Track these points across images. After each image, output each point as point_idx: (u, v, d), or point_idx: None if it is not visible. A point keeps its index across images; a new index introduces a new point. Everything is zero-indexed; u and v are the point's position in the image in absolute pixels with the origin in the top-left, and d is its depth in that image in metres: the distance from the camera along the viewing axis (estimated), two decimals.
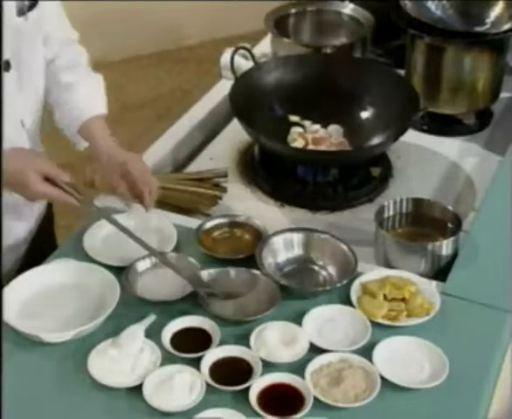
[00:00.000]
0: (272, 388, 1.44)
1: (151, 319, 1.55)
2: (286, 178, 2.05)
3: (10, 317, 1.52)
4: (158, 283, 1.64)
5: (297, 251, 1.74)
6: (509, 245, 1.76)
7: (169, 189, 1.91)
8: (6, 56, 1.61)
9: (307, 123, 2.17)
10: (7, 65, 1.62)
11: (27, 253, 1.84)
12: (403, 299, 1.61)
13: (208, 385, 1.43)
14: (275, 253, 1.72)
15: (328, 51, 2.37)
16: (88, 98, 1.80)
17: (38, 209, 1.86)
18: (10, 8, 1.58)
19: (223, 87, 2.32)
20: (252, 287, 1.63)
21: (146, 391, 1.42)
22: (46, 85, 1.78)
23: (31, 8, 1.64)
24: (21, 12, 1.61)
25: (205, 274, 1.63)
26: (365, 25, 2.42)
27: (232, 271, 1.65)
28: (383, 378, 1.45)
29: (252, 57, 2.27)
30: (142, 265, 1.67)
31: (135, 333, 1.51)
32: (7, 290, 1.58)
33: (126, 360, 1.46)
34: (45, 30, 1.73)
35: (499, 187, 1.95)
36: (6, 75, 1.62)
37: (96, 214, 1.71)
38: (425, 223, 1.83)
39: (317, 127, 2.15)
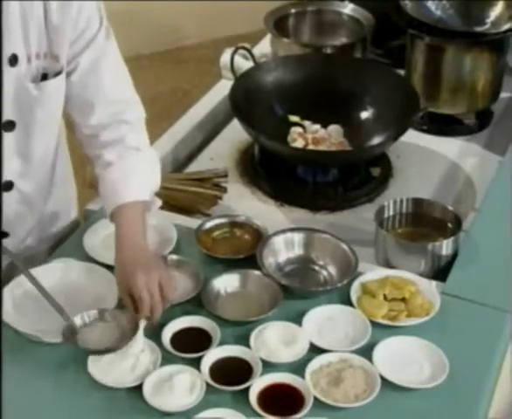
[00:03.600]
0: (272, 388, 1.44)
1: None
2: (286, 178, 2.05)
3: (10, 317, 1.52)
4: None
5: (297, 251, 1.74)
6: (509, 245, 1.76)
7: (169, 189, 1.91)
8: (9, 116, 1.57)
9: (307, 123, 2.16)
10: (10, 126, 1.58)
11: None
12: (403, 299, 1.61)
13: (208, 385, 1.43)
14: (276, 253, 1.72)
15: (328, 51, 2.37)
16: (119, 184, 1.64)
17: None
18: (23, 70, 1.54)
19: (223, 87, 2.32)
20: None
21: (146, 391, 1.41)
22: (89, 151, 1.70)
23: (44, 78, 1.58)
24: (34, 79, 1.57)
25: (78, 320, 1.50)
26: (365, 25, 2.42)
27: (108, 315, 1.51)
28: (383, 378, 1.45)
29: (252, 57, 2.27)
30: None
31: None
32: (7, 290, 1.58)
33: (126, 360, 1.46)
34: (88, 99, 1.64)
35: (499, 187, 1.95)
36: (7, 135, 1.58)
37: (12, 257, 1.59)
38: (425, 223, 1.83)
39: (317, 127, 2.15)
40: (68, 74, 1.62)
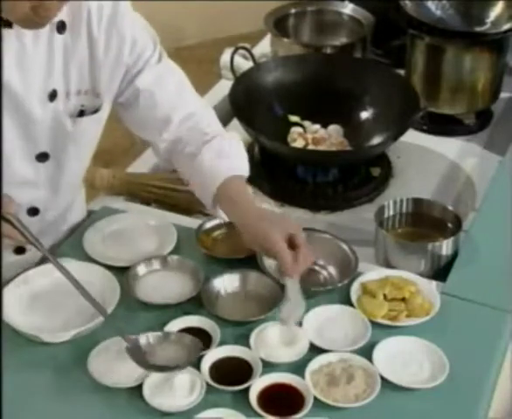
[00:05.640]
0: (272, 388, 1.44)
1: None
2: (286, 178, 2.05)
3: (10, 317, 1.52)
4: (159, 286, 1.64)
5: None
6: (509, 245, 1.76)
7: (169, 189, 1.91)
8: (44, 148, 1.59)
9: (307, 123, 2.17)
10: (44, 157, 1.60)
11: None
12: (403, 299, 1.61)
13: (208, 385, 1.43)
14: None
15: (328, 51, 2.37)
16: (215, 161, 1.62)
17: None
18: (61, 105, 1.56)
19: (223, 87, 2.32)
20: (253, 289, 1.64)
21: (146, 391, 1.41)
22: (175, 163, 1.71)
23: (81, 114, 1.59)
24: (71, 115, 1.58)
25: (144, 339, 1.47)
26: (365, 25, 2.42)
27: (173, 336, 1.49)
28: (383, 378, 1.45)
29: (252, 57, 2.27)
30: (143, 268, 1.67)
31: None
32: (7, 290, 1.58)
33: (126, 360, 1.46)
34: (161, 116, 1.66)
35: (499, 187, 1.95)
36: (39, 165, 1.60)
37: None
38: (425, 223, 1.83)
39: (317, 127, 2.15)
40: (131, 101, 1.64)
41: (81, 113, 1.59)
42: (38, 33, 1.48)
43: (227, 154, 1.64)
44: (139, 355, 1.45)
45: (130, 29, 1.59)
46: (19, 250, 1.69)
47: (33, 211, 1.65)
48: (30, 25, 1.43)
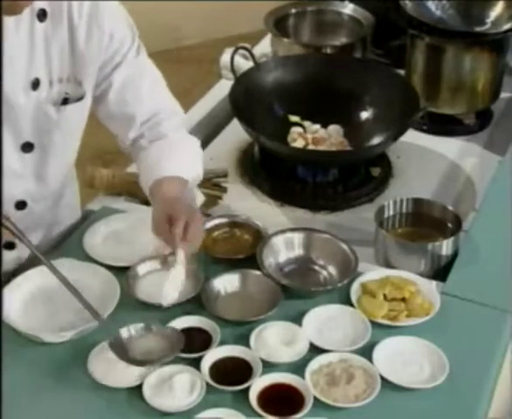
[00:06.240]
0: (272, 388, 1.44)
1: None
2: (286, 178, 2.05)
3: (10, 317, 1.52)
4: (159, 286, 1.64)
5: (297, 251, 1.74)
6: (509, 245, 1.76)
7: None
8: (28, 138, 1.58)
9: (307, 123, 2.16)
10: (28, 147, 1.59)
11: None
12: (403, 299, 1.61)
13: (208, 385, 1.43)
14: (276, 253, 1.72)
15: (328, 51, 2.37)
16: (160, 160, 1.66)
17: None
18: (44, 93, 1.55)
19: (223, 87, 2.32)
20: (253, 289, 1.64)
21: (146, 391, 1.41)
22: (135, 161, 1.74)
23: (65, 102, 1.59)
24: (55, 103, 1.58)
25: (125, 332, 1.49)
26: (365, 25, 2.42)
27: (155, 328, 1.51)
28: (383, 378, 1.45)
29: (252, 57, 2.26)
30: (143, 268, 1.67)
31: None
32: (7, 290, 1.58)
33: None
34: (128, 114, 1.67)
35: (499, 187, 1.95)
36: (25, 156, 1.60)
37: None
38: (425, 223, 1.83)
39: (317, 127, 2.15)
40: (104, 94, 1.65)
41: (65, 101, 1.59)
42: (18, 22, 1.47)
43: (173, 154, 1.67)
44: (121, 349, 1.46)
45: (109, 22, 1.59)
46: (9, 246, 1.69)
47: (21, 205, 1.64)
48: (7, 12, 1.43)
